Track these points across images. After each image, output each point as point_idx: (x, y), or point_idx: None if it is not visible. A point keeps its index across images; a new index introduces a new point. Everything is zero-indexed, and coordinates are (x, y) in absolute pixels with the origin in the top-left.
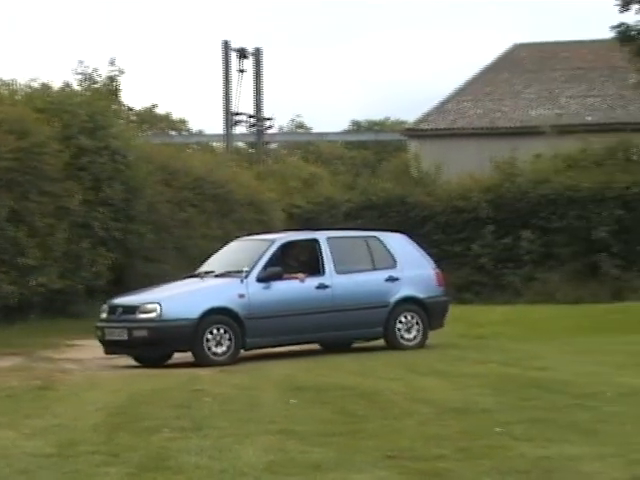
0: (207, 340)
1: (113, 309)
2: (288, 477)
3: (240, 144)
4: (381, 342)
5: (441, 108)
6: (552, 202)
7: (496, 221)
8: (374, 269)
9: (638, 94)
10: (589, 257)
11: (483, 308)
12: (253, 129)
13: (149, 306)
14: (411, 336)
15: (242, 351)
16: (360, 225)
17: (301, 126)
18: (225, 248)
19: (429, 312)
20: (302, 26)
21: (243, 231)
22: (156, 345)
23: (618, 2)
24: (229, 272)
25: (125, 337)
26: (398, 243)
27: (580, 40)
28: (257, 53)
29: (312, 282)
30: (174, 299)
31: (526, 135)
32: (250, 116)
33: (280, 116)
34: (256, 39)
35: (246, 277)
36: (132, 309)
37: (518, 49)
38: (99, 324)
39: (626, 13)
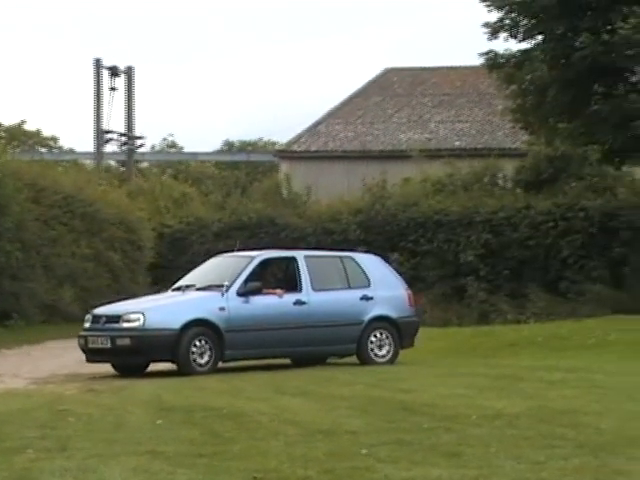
0: (192, 351)
1: (97, 318)
2: None
3: (111, 162)
4: (251, 362)
5: (313, 130)
6: (421, 225)
7: (366, 243)
8: (349, 288)
9: (505, 120)
10: (456, 280)
11: None
12: (124, 147)
13: (133, 315)
14: (382, 353)
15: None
16: (230, 246)
17: (173, 145)
18: (206, 263)
19: (400, 331)
20: (175, 44)
21: (112, 250)
22: (138, 353)
23: (487, 30)
24: (210, 286)
25: (108, 345)
26: (372, 264)
27: (449, 66)
28: (129, 71)
29: (290, 298)
30: (157, 309)
31: (396, 159)
32: (121, 134)
33: (153, 135)
34: (129, 57)
35: (227, 291)
36: (116, 318)
37: (389, 73)
38: (82, 333)
39: (494, 40)
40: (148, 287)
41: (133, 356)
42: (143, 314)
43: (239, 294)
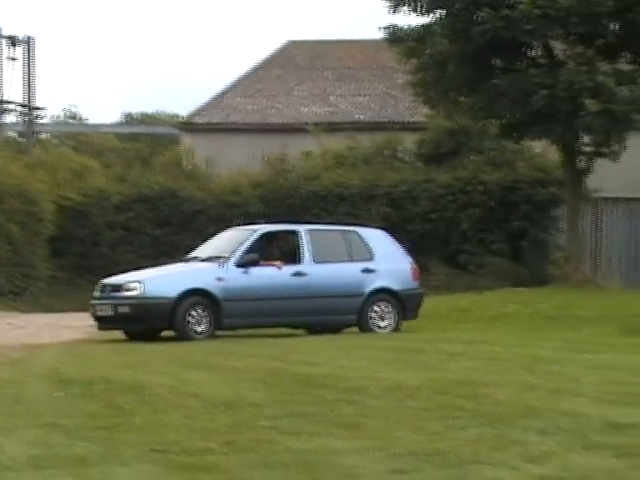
0: (189, 319)
1: (103, 288)
2: (52, 471)
3: (11, 134)
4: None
5: (215, 103)
6: (322, 198)
7: (267, 216)
8: (351, 261)
9: (406, 94)
10: None
11: None
12: (24, 118)
13: (132, 284)
14: (384, 324)
15: None
16: (132, 217)
17: (74, 117)
18: (216, 236)
19: (403, 303)
20: (76, 14)
21: (12, 222)
22: (137, 321)
23: (388, 4)
24: (212, 257)
25: (111, 313)
26: (377, 238)
27: (351, 40)
28: (28, 41)
29: (289, 270)
30: (155, 279)
31: (298, 132)
32: (21, 105)
33: (55, 106)
34: (29, 27)
35: (225, 262)
36: (118, 287)
37: (291, 47)
38: (92, 302)
39: (396, 15)
40: (47, 259)
41: (133, 323)
42: (142, 283)
43: (238, 265)
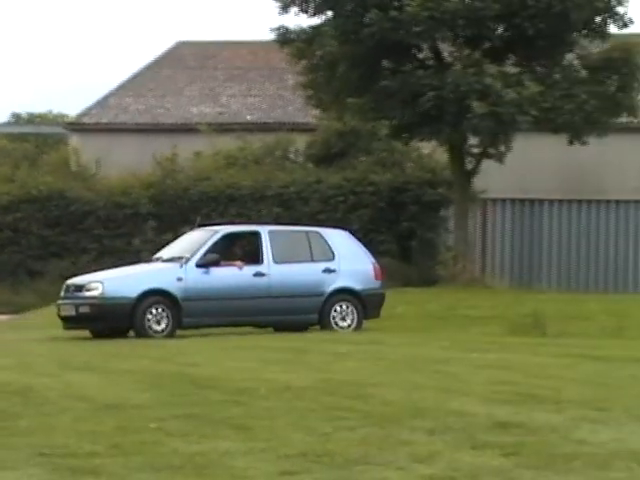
0: (148, 319)
1: (67, 288)
2: None
3: None
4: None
5: (103, 103)
6: (213, 199)
7: (157, 217)
8: (312, 261)
9: (297, 95)
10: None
11: None
12: None
13: (93, 285)
14: (345, 324)
15: None
16: (20, 218)
17: None
18: (181, 237)
19: (364, 303)
20: None
21: None
22: (98, 320)
23: (278, 4)
24: (174, 258)
25: (73, 313)
26: (339, 238)
27: (241, 40)
28: None
29: (250, 270)
30: (116, 280)
31: (188, 132)
32: None
33: None
34: None
35: (186, 263)
36: (80, 287)
37: (181, 47)
38: (57, 302)
39: (285, 15)
40: None
41: (94, 323)
42: (102, 283)
43: (198, 265)
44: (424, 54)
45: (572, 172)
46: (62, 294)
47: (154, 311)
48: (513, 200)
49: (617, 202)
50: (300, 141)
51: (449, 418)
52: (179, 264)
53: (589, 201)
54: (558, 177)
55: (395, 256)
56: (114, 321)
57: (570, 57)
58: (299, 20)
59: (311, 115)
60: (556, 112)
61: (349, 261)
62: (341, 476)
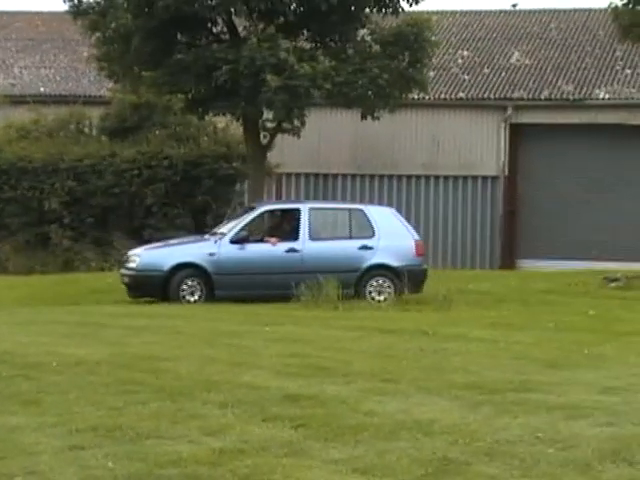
0: (183, 289)
1: (127, 258)
2: None
3: None
4: None
5: None
6: (4, 172)
7: None
8: (350, 238)
9: (91, 67)
10: (40, 228)
11: None
12: None
13: (133, 257)
14: (382, 298)
15: None
16: None
17: None
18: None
19: (402, 278)
20: None
21: None
22: (137, 290)
23: None
24: (218, 233)
25: (125, 281)
26: (382, 216)
27: (34, 11)
28: None
29: (284, 246)
30: (151, 253)
31: None
32: None
33: None
34: None
35: (220, 238)
36: (127, 259)
37: None
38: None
39: None
40: None
41: (134, 291)
42: (139, 256)
43: (232, 241)
44: (219, 28)
45: (365, 147)
46: (124, 263)
47: (189, 282)
48: (308, 175)
49: (408, 177)
50: (94, 114)
51: (241, 391)
52: (214, 240)
53: (381, 176)
54: (352, 152)
55: (191, 230)
56: (148, 291)
57: (363, 32)
58: None
59: (105, 88)
60: (349, 86)
61: (389, 238)
62: (132, 450)
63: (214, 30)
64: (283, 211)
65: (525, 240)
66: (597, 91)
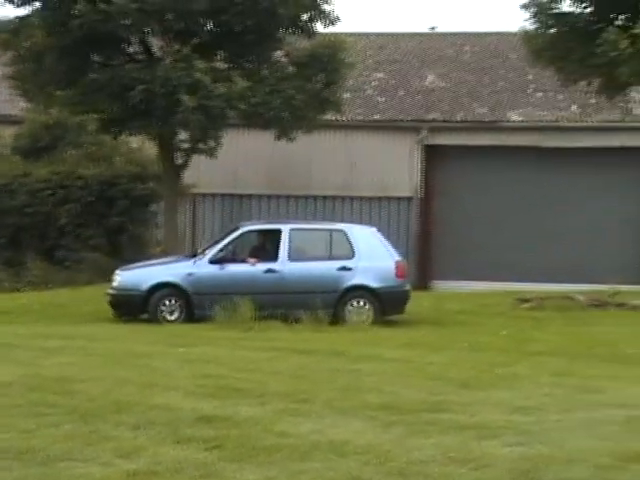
0: (161, 309)
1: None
2: None
3: None
4: None
5: None
6: None
7: None
8: (329, 259)
9: (3, 86)
10: None
11: None
12: None
13: (115, 276)
14: (361, 319)
15: None
16: None
17: None
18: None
19: (382, 300)
20: None
21: None
22: (117, 308)
23: None
24: (199, 253)
25: (107, 300)
26: (363, 237)
27: None
28: None
29: (262, 267)
30: (131, 273)
31: None
32: None
33: None
34: None
35: (200, 258)
36: (112, 277)
37: None
38: None
39: None
40: None
41: (116, 310)
42: (119, 276)
43: (211, 261)
44: (134, 48)
45: (282, 168)
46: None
47: (167, 302)
48: (224, 195)
49: (324, 198)
50: (7, 133)
51: (153, 412)
52: (193, 260)
53: (296, 197)
54: (268, 173)
55: (105, 251)
56: (128, 310)
57: (278, 54)
58: (6, 11)
59: (18, 107)
60: (265, 107)
61: (369, 259)
62: (43, 473)
63: (129, 50)
64: (264, 231)
65: (439, 261)
66: (510, 114)
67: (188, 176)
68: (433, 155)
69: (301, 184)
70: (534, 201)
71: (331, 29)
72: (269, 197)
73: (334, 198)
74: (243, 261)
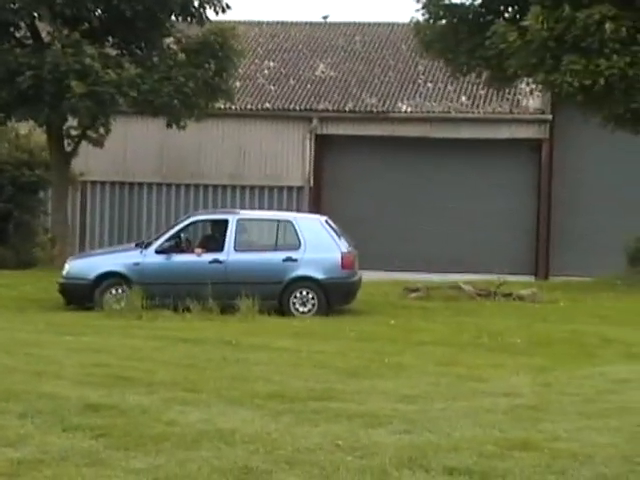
0: (107, 298)
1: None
2: None
3: None
4: None
5: None
6: None
7: None
8: (275, 250)
9: None
10: None
11: None
12: None
13: (65, 265)
14: (306, 309)
15: None
16: None
17: None
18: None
19: (327, 291)
20: None
21: None
22: (66, 296)
23: None
24: (146, 243)
25: (58, 289)
26: (310, 227)
27: None
28: None
29: (208, 257)
30: (80, 262)
31: None
32: None
33: None
34: None
35: (146, 248)
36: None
37: None
38: None
39: None
40: None
41: (65, 298)
42: (68, 264)
43: (157, 251)
44: (22, 33)
45: (172, 156)
46: None
47: (113, 291)
48: (113, 183)
49: (214, 187)
50: None
51: (40, 401)
52: (140, 250)
53: (187, 185)
54: (158, 161)
55: None
56: (76, 298)
57: (169, 41)
58: None
59: None
60: (155, 94)
61: (315, 250)
62: None
63: (17, 34)
64: (213, 221)
65: None
66: (400, 104)
67: (78, 164)
68: (324, 145)
69: (191, 172)
70: (424, 191)
71: (222, 17)
72: (159, 185)
73: (225, 187)
74: (190, 251)
